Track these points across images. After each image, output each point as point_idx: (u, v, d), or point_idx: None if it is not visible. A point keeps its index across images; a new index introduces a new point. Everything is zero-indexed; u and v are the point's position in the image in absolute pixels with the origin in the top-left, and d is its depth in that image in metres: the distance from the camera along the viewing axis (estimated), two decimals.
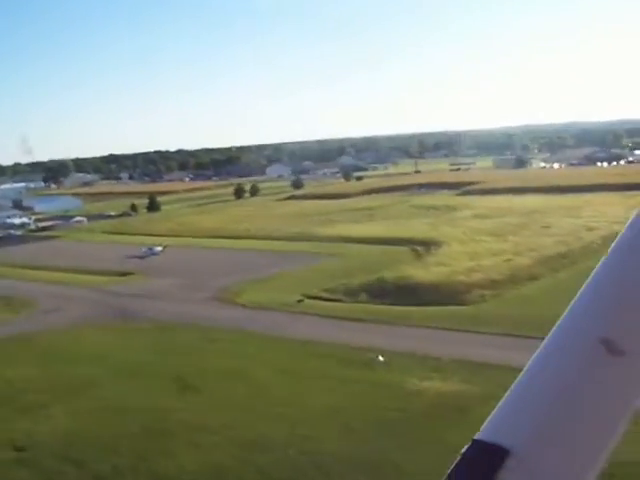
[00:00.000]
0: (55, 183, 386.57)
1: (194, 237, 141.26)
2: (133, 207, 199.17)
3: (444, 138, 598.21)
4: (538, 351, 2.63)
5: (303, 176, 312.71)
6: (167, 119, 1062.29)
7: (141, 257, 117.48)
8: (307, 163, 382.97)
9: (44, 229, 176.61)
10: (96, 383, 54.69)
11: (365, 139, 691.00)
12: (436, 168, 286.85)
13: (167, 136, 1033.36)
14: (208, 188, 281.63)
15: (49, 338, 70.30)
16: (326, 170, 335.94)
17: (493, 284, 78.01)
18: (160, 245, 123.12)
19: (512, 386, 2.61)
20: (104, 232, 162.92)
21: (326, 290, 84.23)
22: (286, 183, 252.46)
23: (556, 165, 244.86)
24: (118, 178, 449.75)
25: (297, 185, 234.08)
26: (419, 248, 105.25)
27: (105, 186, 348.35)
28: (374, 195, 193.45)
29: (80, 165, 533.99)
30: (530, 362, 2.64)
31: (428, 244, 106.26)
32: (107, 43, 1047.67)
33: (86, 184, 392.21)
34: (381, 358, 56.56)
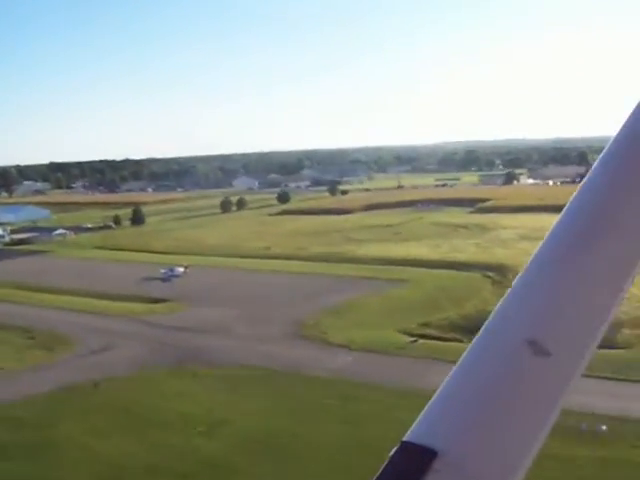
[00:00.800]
0: (6, 191, 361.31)
1: (201, 255, 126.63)
2: (116, 219, 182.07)
3: (387, 153, 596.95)
4: (466, 352, 2.67)
5: (271, 190, 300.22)
6: (110, 128, 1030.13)
7: (163, 279, 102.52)
8: (274, 176, 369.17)
9: (22, 242, 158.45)
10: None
11: (312, 152, 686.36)
12: (420, 183, 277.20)
13: (111, 145, 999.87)
14: (180, 200, 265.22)
15: (119, 389, 55.74)
16: (300, 183, 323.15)
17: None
18: (180, 266, 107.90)
19: (440, 387, 2.64)
20: (95, 247, 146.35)
21: (425, 325, 71.79)
22: (269, 196, 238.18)
23: (550, 182, 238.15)
24: (70, 187, 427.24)
25: (284, 199, 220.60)
26: (491, 274, 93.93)
27: (62, 195, 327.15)
28: (378, 211, 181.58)
29: (23, 172, 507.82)
30: (458, 363, 2.65)
31: (499, 270, 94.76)
32: (45, 49, 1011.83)
33: (38, 192, 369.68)
34: (604, 427, 44.19)
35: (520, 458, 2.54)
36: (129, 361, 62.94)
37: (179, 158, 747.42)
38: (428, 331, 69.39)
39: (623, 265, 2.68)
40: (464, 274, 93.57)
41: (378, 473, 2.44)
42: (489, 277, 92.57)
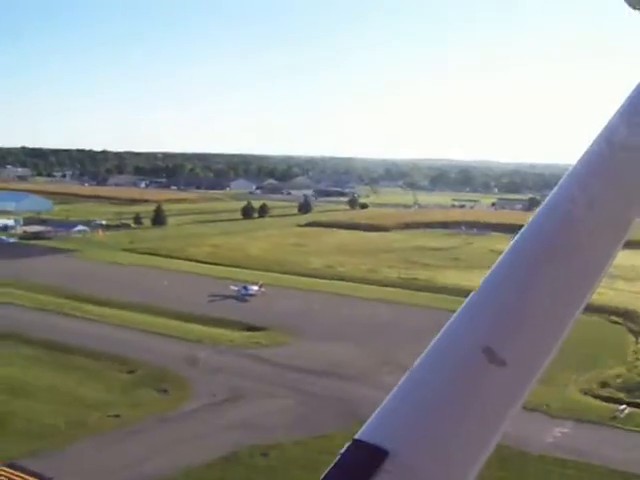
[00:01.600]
0: None
1: (253, 269, 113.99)
2: (137, 218, 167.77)
3: (359, 164, 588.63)
4: (422, 355, 2.72)
5: (271, 196, 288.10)
6: (87, 117, 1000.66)
7: (237, 298, 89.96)
8: (271, 181, 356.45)
9: (36, 236, 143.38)
10: None
11: (287, 158, 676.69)
12: (436, 202, 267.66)
13: (87, 134, 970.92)
14: (191, 200, 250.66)
15: (298, 462, 43.27)
16: (304, 192, 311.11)
17: None
18: (254, 284, 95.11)
19: (394, 388, 2.67)
20: (124, 249, 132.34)
21: (604, 384, 61.26)
22: (283, 203, 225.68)
23: None
24: (51, 175, 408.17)
25: (305, 209, 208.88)
26: (617, 319, 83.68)
27: (57, 185, 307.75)
28: (415, 231, 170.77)
29: None
30: (414, 366, 2.68)
31: (625, 315, 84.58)
32: (20, 35, 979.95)
33: (21, 179, 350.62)
34: None
35: (470, 463, 2.62)
36: (283, 418, 50.58)
37: (157, 153, 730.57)
38: (619, 395, 58.66)
39: (583, 280, 2.78)
40: (584, 317, 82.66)
41: (328, 469, 2.47)
42: (617, 323, 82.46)
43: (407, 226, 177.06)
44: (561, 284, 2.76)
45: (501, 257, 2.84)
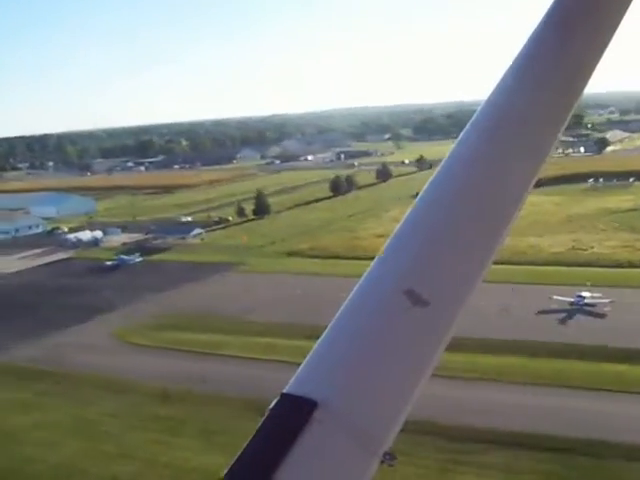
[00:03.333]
0: None
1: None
2: (240, 210, 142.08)
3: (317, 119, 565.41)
4: (345, 304, 2.80)
5: (289, 164, 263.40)
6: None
7: (585, 312, 68.76)
8: (276, 149, 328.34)
9: (144, 248, 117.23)
10: None
11: (260, 120, 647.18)
12: None
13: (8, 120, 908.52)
14: (228, 180, 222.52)
15: None
16: (322, 155, 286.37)
17: None
18: (605, 298, 71.06)
19: (319, 339, 2.79)
20: (288, 254, 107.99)
21: None
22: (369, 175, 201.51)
23: None
24: (16, 168, 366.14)
25: (385, 176, 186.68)
26: None
27: (49, 180, 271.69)
28: (549, 188, 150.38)
29: None
30: (337, 315, 2.83)
31: None
32: None
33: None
34: None
35: (400, 404, 2.72)
36: None
37: (99, 130, 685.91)
38: None
39: (500, 218, 2.87)
40: None
41: (258, 426, 2.59)
42: None
43: (538, 184, 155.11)
44: (479, 221, 2.86)
45: (416, 200, 2.93)
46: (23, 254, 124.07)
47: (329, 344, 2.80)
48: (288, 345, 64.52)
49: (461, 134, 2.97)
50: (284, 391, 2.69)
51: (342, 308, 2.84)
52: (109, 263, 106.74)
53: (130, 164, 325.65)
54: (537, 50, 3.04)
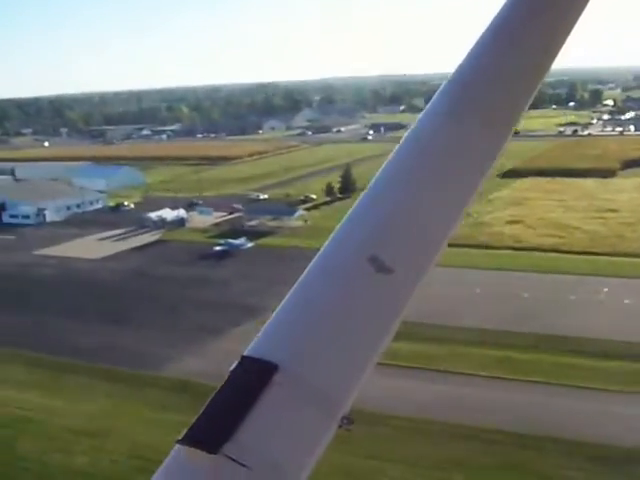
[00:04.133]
0: None
1: None
2: (329, 189, 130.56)
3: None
4: (309, 268, 2.87)
5: (325, 135, 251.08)
6: None
7: None
8: (300, 119, 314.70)
9: (253, 234, 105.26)
10: None
11: (260, 86, 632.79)
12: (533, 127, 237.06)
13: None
14: (271, 152, 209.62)
15: None
16: (353, 127, 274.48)
17: None
18: None
19: (282, 302, 2.85)
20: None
21: None
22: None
23: None
24: (20, 134, 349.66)
25: None
26: None
27: (69, 148, 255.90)
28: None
29: None
30: (300, 279, 2.87)
31: None
32: None
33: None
34: None
35: (359, 369, 2.75)
36: None
37: (95, 94, 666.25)
38: None
39: (464, 186, 2.89)
40: None
41: (218, 388, 2.62)
42: None
43: (628, 165, 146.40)
44: (444, 190, 2.89)
45: (382, 166, 2.96)
46: (102, 235, 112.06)
47: (291, 308, 2.81)
48: (530, 360, 54.86)
49: (427, 105, 2.99)
50: (244, 354, 2.71)
51: (305, 273, 2.85)
52: (218, 248, 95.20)
53: (146, 132, 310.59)
54: (506, 22, 3.02)
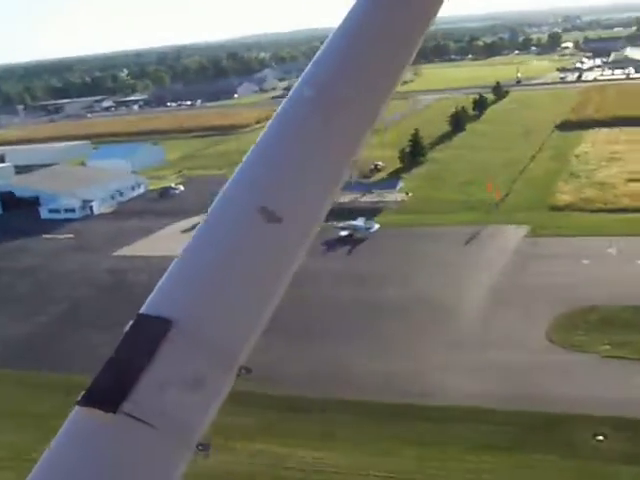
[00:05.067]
0: None
1: None
2: (403, 153, 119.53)
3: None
4: (201, 224, 2.87)
5: None
6: None
7: None
8: (273, 79, 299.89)
9: (359, 210, 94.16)
10: None
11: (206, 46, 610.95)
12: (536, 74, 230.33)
13: None
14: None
15: None
16: None
17: None
18: None
19: (175, 259, 2.83)
20: (551, 208, 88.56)
21: None
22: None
23: None
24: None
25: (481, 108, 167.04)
26: None
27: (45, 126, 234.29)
28: None
29: None
30: (193, 234, 2.89)
31: None
32: None
33: None
34: None
35: (254, 321, 2.78)
36: None
37: (18, 65, 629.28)
38: None
39: (351, 138, 2.97)
40: None
41: (115, 348, 2.62)
42: None
43: None
44: (332, 140, 2.96)
45: (271, 119, 3.04)
46: (175, 226, 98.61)
47: (184, 263, 2.82)
48: None
49: (314, 58, 3.05)
50: (140, 311, 2.71)
51: (198, 228, 2.89)
52: (343, 233, 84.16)
53: (107, 103, 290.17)
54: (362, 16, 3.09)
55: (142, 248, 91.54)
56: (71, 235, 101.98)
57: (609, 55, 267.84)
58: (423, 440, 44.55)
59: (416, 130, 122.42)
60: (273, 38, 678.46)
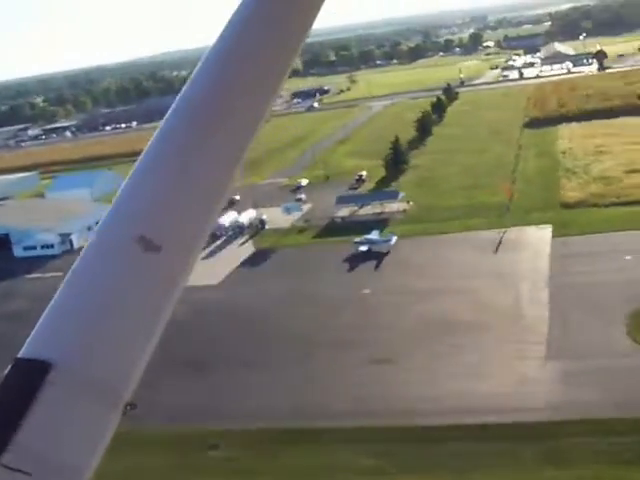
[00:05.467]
0: None
1: None
2: (388, 161, 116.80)
3: None
4: (79, 258, 2.83)
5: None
6: None
7: None
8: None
9: (365, 222, 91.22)
10: None
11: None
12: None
13: None
14: None
15: None
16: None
17: None
18: None
19: (54, 297, 2.76)
20: (564, 206, 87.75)
21: None
22: None
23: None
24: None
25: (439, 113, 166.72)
26: None
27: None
28: None
29: None
30: (71, 269, 2.82)
31: None
32: None
33: None
34: None
35: (137, 355, 2.69)
36: None
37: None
38: None
39: (226, 168, 2.90)
40: None
41: None
42: None
43: None
44: (209, 168, 2.88)
45: (149, 144, 2.96)
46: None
47: (62, 301, 2.73)
48: None
49: (188, 81, 2.99)
50: (18, 355, 2.61)
51: (76, 262, 2.79)
52: (362, 248, 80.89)
53: (33, 132, 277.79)
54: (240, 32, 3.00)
55: None
56: (59, 273, 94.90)
57: (537, 51, 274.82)
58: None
59: (396, 137, 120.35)
60: (182, 55, 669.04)
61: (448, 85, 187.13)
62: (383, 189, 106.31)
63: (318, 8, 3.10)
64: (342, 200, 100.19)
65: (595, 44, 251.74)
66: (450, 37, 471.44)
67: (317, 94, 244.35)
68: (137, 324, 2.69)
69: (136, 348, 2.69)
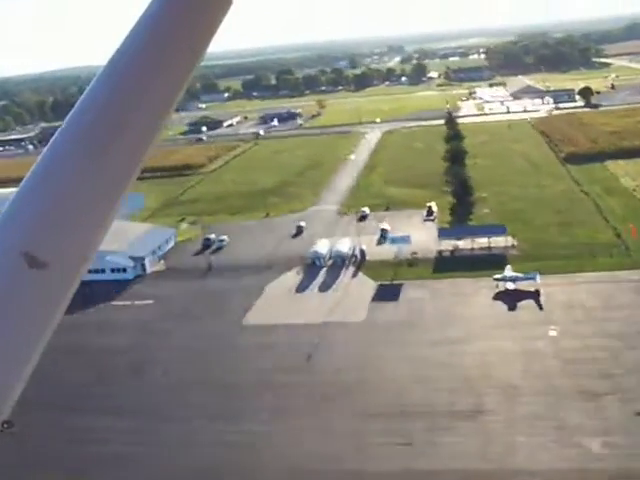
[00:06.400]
0: None
1: None
2: (455, 192, 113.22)
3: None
4: None
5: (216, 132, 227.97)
6: None
7: None
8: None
9: (474, 258, 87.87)
10: None
11: None
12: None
13: None
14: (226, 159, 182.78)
15: None
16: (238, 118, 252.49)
17: None
18: None
19: None
20: None
21: None
22: None
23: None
24: None
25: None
26: None
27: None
28: None
29: None
30: None
31: None
32: None
33: None
34: None
35: (16, 374, 2.72)
36: None
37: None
38: None
39: (119, 181, 2.90)
40: None
41: None
42: None
43: None
44: (100, 179, 2.87)
45: (40, 158, 2.92)
46: (274, 284, 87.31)
47: None
48: None
49: (85, 93, 2.92)
50: None
51: None
52: (510, 286, 77.25)
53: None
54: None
55: (269, 315, 78.95)
56: (150, 301, 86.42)
57: (491, 84, 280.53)
58: None
59: (460, 169, 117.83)
60: (92, 71, 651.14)
61: (450, 114, 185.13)
62: (486, 223, 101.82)
63: (220, 20, 2.93)
64: (444, 233, 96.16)
65: (552, 79, 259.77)
66: (388, 65, 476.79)
67: (297, 117, 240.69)
68: (18, 342, 2.62)
69: (16, 366, 2.62)
